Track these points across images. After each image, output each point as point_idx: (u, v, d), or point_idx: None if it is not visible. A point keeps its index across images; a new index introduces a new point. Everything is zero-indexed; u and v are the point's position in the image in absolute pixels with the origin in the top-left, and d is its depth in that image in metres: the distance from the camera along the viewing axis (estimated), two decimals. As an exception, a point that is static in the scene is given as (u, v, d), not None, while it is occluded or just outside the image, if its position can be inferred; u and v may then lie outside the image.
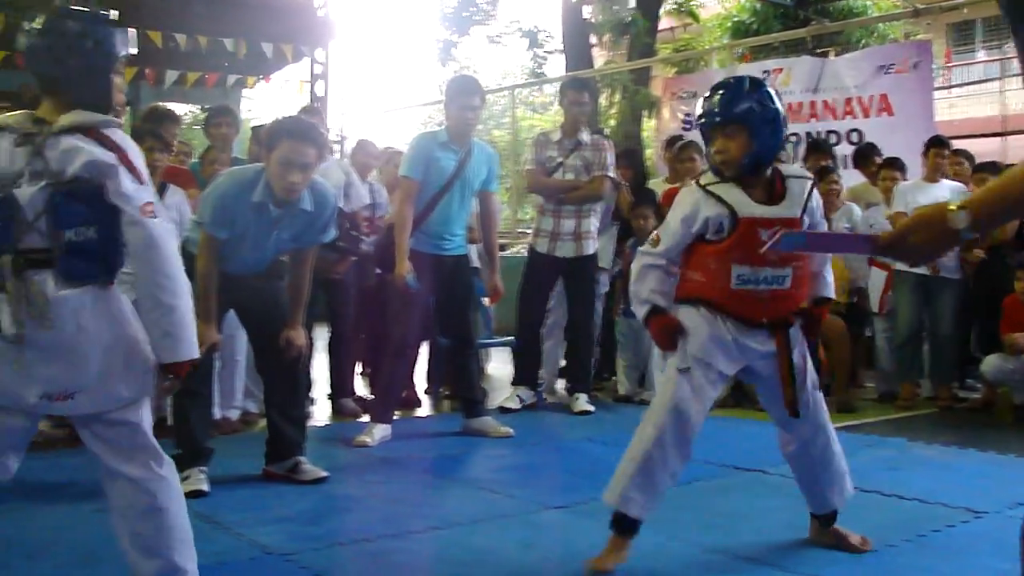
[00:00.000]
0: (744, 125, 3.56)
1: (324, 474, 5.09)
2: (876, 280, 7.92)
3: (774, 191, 3.65)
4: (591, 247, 7.17)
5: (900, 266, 7.58)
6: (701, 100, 3.74)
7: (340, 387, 7.24)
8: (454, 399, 7.53)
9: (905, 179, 7.88)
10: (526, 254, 7.57)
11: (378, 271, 6.99)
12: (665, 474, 3.65)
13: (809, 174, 3.86)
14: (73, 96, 2.92)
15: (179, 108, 16.01)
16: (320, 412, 7.18)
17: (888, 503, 4.63)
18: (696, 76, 13.37)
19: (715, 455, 5.35)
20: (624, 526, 3.65)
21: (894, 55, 10.45)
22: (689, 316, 3.69)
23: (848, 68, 10.63)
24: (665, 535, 4.09)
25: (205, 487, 4.77)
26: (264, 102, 27.89)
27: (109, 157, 2.82)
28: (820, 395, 3.86)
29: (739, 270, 3.59)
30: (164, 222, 2.91)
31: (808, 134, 10.50)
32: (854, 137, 10.18)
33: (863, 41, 16.64)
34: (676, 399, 3.62)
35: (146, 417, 3.00)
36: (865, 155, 8.77)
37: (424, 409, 7.55)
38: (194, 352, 2.96)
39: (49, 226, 2.79)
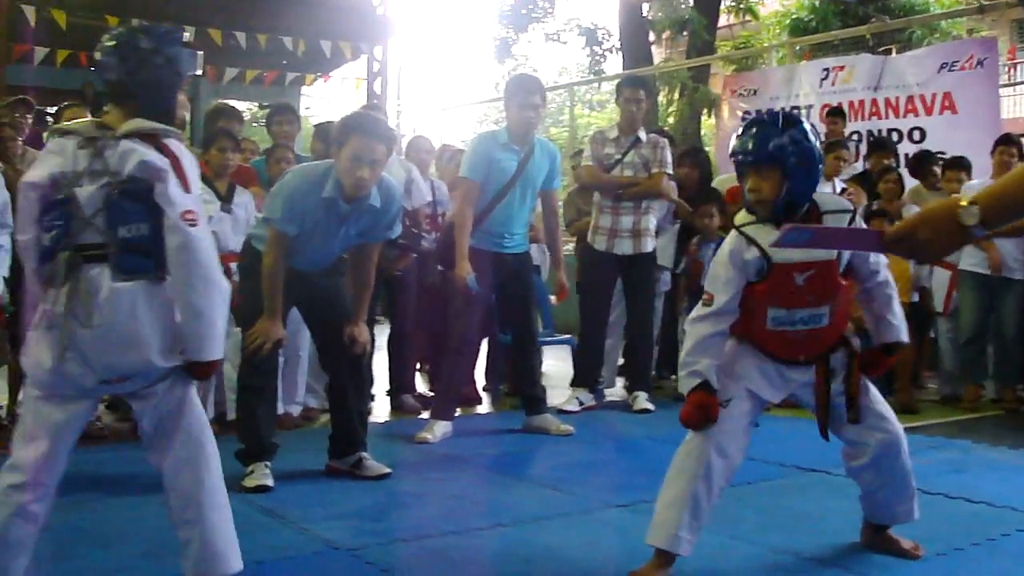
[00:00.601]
0: (777, 165, 3.43)
1: (387, 470, 5.11)
2: (940, 280, 7.82)
3: None
4: (649, 244, 7.14)
5: (964, 265, 7.50)
6: (734, 136, 3.61)
7: (400, 384, 7.27)
8: (514, 396, 7.56)
9: (970, 179, 7.76)
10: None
11: (440, 268, 7.03)
12: (709, 506, 3.59)
13: (849, 206, 3.67)
14: (139, 107, 3.08)
15: (238, 105, 16.14)
16: (380, 409, 7.21)
17: (954, 506, 4.58)
18: (756, 74, 13.30)
19: (778, 455, 5.33)
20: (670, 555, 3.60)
21: (958, 52, 10.32)
22: (733, 346, 3.64)
23: (911, 65, 10.53)
24: (727, 535, 4.07)
25: (269, 482, 4.81)
26: (322, 100, 27.95)
27: (162, 161, 2.97)
28: (887, 407, 3.77)
29: (774, 312, 3.52)
30: (203, 229, 3.01)
31: (869, 132, 10.42)
32: (916, 135, 10.10)
33: (925, 39, 16.48)
34: (719, 433, 3.54)
35: (192, 396, 3.17)
36: (921, 162, 8.63)
37: (484, 406, 7.56)
38: (217, 354, 3.08)
39: (105, 223, 2.96)
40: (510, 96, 6.20)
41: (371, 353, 6.55)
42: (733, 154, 3.59)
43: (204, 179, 6.10)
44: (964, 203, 2.05)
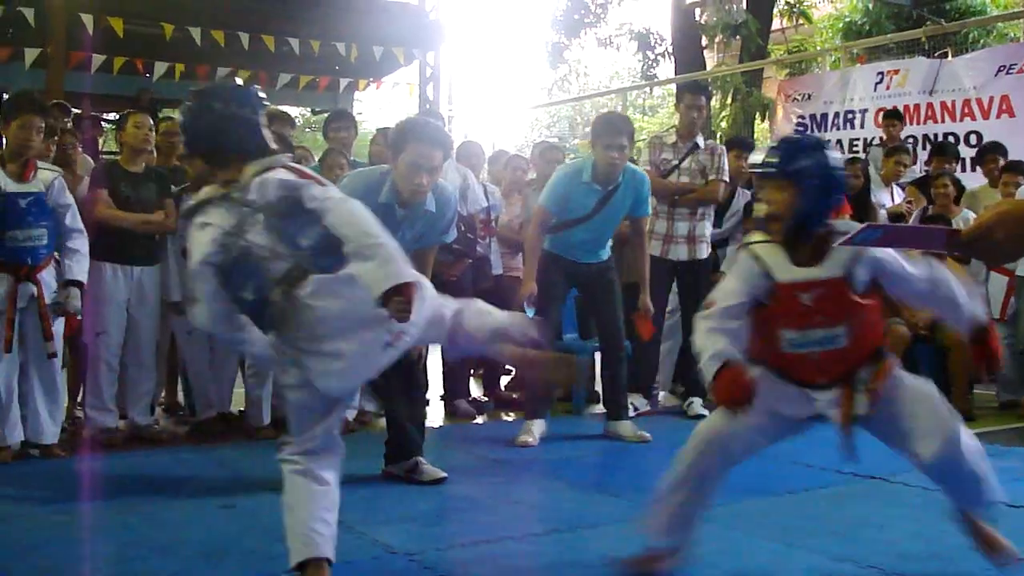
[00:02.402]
0: (794, 183, 3.43)
1: (443, 475, 5.13)
2: (997, 286, 7.75)
3: (818, 250, 3.47)
4: (704, 251, 7.14)
5: (1021, 271, 7.42)
6: (761, 149, 3.62)
7: (454, 388, 7.29)
8: (566, 402, 7.57)
9: (1028, 183, 7.69)
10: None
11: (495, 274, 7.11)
12: (703, 507, 3.63)
13: (859, 226, 3.65)
14: (240, 155, 3.32)
15: (291, 111, 16.25)
16: (434, 414, 7.22)
17: (1016, 515, 4.49)
18: (810, 78, 13.23)
19: (834, 462, 5.27)
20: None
21: (1016, 55, 10.23)
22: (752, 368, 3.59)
23: (967, 69, 10.43)
24: (786, 543, 4.07)
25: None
26: (375, 105, 28.10)
27: (292, 177, 3.25)
28: (940, 413, 3.61)
29: (787, 334, 3.49)
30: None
31: (925, 136, 10.34)
32: (972, 139, 10.00)
33: (980, 41, 16.31)
34: (716, 437, 3.56)
35: None
36: (985, 153, 8.56)
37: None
38: (408, 276, 3.15)
39: (286, 245, 3.19)
40: (596, 136, 6.15)
41: (425, 358, 6.63)
42: (753, 166, 3.61)
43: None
44: None
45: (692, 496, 3.59)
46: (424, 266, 5.16)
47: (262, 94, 3.48)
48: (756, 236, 3.62)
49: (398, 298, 3.07)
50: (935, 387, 3.66)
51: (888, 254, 3.50)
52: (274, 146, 3.43)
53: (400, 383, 5.21)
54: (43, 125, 5.43)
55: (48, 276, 5.45)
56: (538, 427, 6.17)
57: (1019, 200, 2.16)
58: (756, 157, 3.61)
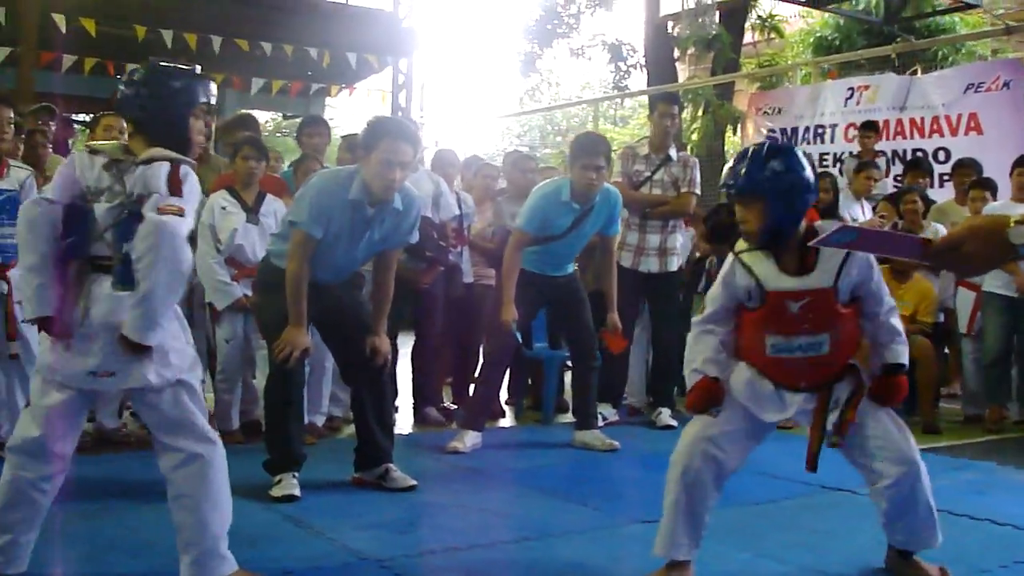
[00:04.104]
0: (760, 197, 3.50)
1: (413, 482, 5.13)
2: (965, 300, 7.83)
3: (806, 258, 3.57)
4: (675, 263, 7.18)
5: (988, 287, 7.49)
6: (727, 168, 3.69)
7: (425, 396, 7.28)
8: (536, 411, 7.59)
9: (995, 199, 7.77)
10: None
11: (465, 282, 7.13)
12: (704, 510, 3.66)
13: (835, 225, 3.72)
14: (155, 136, 3.39)
15: (263, 115, 16.23)
16: (404, 421, 7.21)
17: (981, 528, 4.58)
18: (781, 92, 13.31)
19: (803, 474, 5.30)
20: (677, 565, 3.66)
21: (984, 73, 10.33)
22: (735, 367, 3.69)
23: (936, 86, 10.55)
24: (753, 552, 4.11)
25: (297, 492, 4.83)
26: (347, 111, 28.07)
27: (161, 183, 3.25)
28: (907, 431, 3.75)
29: (772, 339, 3.59)
30: (180, 221, 3.23)
31: (895, 152, 10.43)
32: (941, 156, 10.09)
33: (949, 58, 16.46)
34: (701, 437, 3.62)
35: (187, 397, 3.38)
36: (959, 167, 8.65)
37: (507, 420, 7.58)
38: (153, 340, 3.25)
39: (113, 238, 3.29)
40: (574, 157, 6.13)
41: (393, 365, 6.64)
42: (721, 186, 3.67)
43: (231, 190, 6.14)
44: (1014, 222, 2.07)
45: (692, 496, 3.62)
46: (389, 271, 5.24)
47: (209, 94, 3.51)
48: (742, 244, 3.69)
49: (132, 347, 3.23)
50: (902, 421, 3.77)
51: (875, 274, 3.63)
52: (199, 141, 3.53)
53: (368, 390, 5.23)
54: (12, 117, 5.38)
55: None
56: (471, 438, 6.15)
57: (992, 215, 2.18)
58: (724, 176, 3.67)
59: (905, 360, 3.69)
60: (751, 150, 3.62)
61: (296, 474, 4.97)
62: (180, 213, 3.24)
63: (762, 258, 3.59)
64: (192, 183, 3.34)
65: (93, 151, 3.42)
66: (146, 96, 3.38)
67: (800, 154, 3.60)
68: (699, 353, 3.65)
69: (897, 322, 3.72)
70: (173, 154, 3.34)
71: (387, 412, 5.42)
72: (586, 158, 6.03)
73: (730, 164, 3.67)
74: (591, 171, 6.01)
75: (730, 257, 3.71)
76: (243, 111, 9.16)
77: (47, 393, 3.36)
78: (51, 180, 5.59)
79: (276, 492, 4.81)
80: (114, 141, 3.55)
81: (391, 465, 5.21)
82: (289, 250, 4.88)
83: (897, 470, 3.64)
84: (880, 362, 3.70)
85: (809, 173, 3.56)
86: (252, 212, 6.15)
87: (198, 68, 3.52)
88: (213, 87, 3.55)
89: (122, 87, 3.44)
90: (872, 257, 3.65)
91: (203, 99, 3.47)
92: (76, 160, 3.42)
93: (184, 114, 3.42)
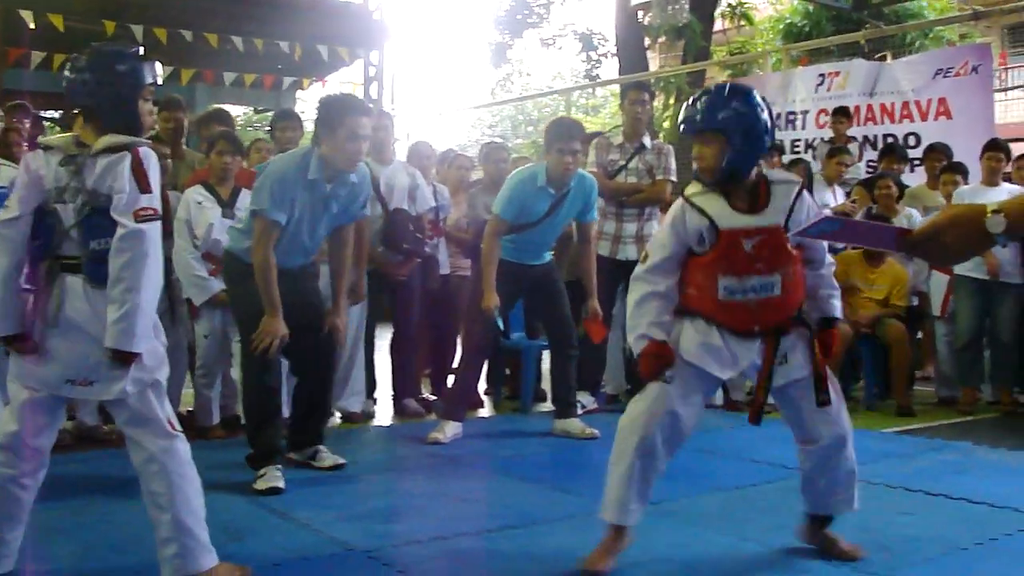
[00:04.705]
0: (720, 133, 3.55)
1: (342, 461, 5.34)
2: (938, 284, 7.91)
3: (757, 198, 3.61)
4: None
5: (960, 270, 7.56)
6: (685, 105, 3.75)
7: (404, 387, 7.30)
8: (514, 400, 7.63)
9: (966, 183, 7.85)
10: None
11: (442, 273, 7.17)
12: (655, 475, 3.70)
13: (796, 178, 3.78)
14: (106, 122, 3.38)
15: (235, 110, 16.19)
16: (383, 412, 7.24)
17: (956, 506, 4.63)
18: (752, 79, 13.35)
19: (781, 458, 5.37)
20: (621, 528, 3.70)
21: (953, 58, 10.43)
22: (680, 325, 3.70)
23: (906, 72, 10.63)
24: (736, 535, 4.14)
25: (281, 484, 4.86)
26: (319, 98, 27.99)
27: (126, 176, 3.26)
28: (843, 403, 3.80)
29: (725, 281, 3.59)
30: (154, 226, 3.28)
31: (866, 137, 10.50)
32: (911, 140, 10.18)
33: (917, 43, 16.57)
34: (659, 406, 3.62)
35: (153, 396, 3.39)
36: (930, 151, 8.75)
37: (485, 410, 7.61)
38: (140, 347, 3.26)
39: (80, 236, 3.31)
40: (550, 141, 6.15)
41: (371, 357, 6.72)
42: (680, 122, 3.71)
43: (206, 185, 6.14)
44: (991, 211, 2.10)
45: (647, 463, 3.64)
46: (345, 248, 5.40)
47: (154, 74, 3.49)
48: (692, 188, 3.72)
49: (121, 358, 3.25)
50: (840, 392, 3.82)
51: (808, 211, 3.65)
52: (150, 122, 3.56)
53: (314, 379, 5.36)
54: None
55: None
56: (451, 428, 6.18)
57: (969, 205, 2.21)
58: (683, 113, 3.72)
59: (839, 314, 3.79)
60: (712, 88, 3.68)
61: (279, 466, 5.00)
62: (155, 215, 3.29)
63: (714, 198, 3.62)
64: (153, 166, 3.36)
65: (47, 148, 3.42)
66: (92, 82, 3.35)
67: (758, 96, 3.65)
68: (643, 316, 3.63)
69: (832, 277, 3.80)
70: (128, 139, 3.34)
71: (327, 399, 5.55)
72: (562, 142, 6.06)
73: (688, 102, 3.71)
74: (567, 155, 6.04)
75: (678, 201, 3.72)
76: (216, 106, 9.14)
77: (23, 391, 3.37)
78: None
79: (260, 485, 4.83)
80: (66, 135, 3.52)
81: (322, 446, 5.39)
82: (254, 239, 4.97)
83: (831, 431, 3.70)
84: (819, 315, 3.76)
85: (767, 116, 3.62)
86: (228, 207, 6.13)
87: (141, 49, 3.52)
88: (159, 67, 3.54)
89: (67, 75, 3.41)
90: (815, 205, 3.72)
91: (149, 80, 3.46)
92: (32, 162, 3.41)
93: (132, 97, 3.40)
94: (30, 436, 3.37)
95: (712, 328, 3.66)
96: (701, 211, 3.60)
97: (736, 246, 3.56)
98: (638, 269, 3.72)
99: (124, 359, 3.25)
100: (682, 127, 3.71)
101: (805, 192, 3.68)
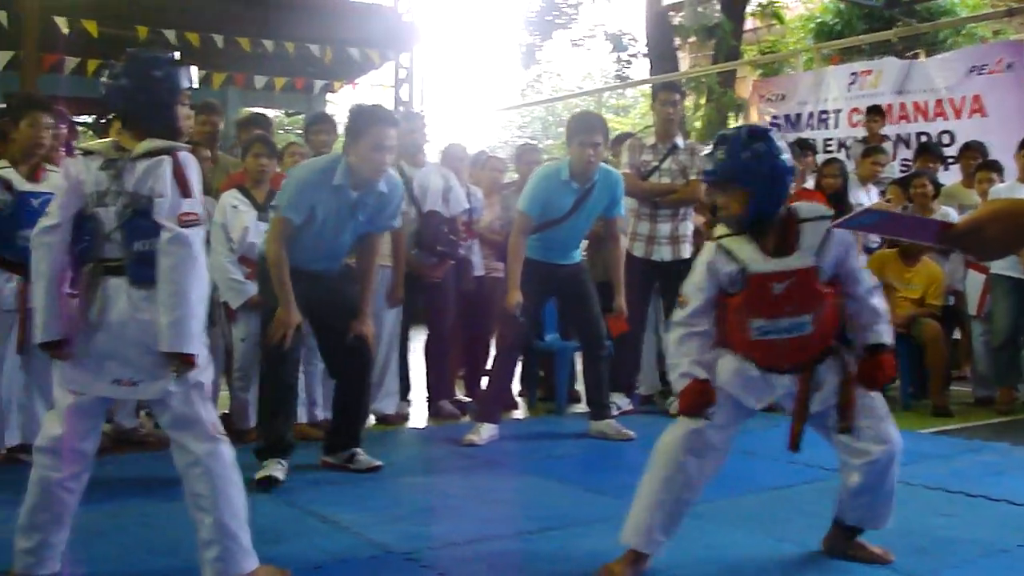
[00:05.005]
0: (741, 183, 3.53)
1: (379, 463, 5.36)
2: (974, 283, 7.86)
3: (787, 239, 3.59)
4: (687, 250, 7.17)
5: (996, 269, 7.51)
6: (705, 153, 3.72)
7: (438, 389, 7.31)
8: (549, 401, 7.63)
9: (1002, 181, 7.79)
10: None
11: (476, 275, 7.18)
12: (686, 508, 3.70)
13: (827, 213, 3.69)
14: (144, 127, 3.44)
15: (267, 113, 16.22)
16: (418, 414, 7.26)
17: (998, 508, 4.61)
18: (784, 79, 13.33)
19: (818, 459, 5.33)
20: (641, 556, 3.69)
21: (987, 56, 10.37)
22: (717, 355, 3.70)
23: (939, 69, 10.57)
24: (775, 537, 4.14)
25: (279, 475, 4.98)
26: (348, 105, 28.07)
27: (167, 179, 3.33)
28: (890, 417, 3.76)
29: (756, 322, 3.59)
30: (196, 231, 3.35)
31: (899, 136, 10.44)
32: (945, 139, 10.12)
33: (949, 41, 16.46)
34: (694, 434, 3.63)
35: (196, 397, 3.42)
36: (966, 149, 8.70)
37: (519, 411, 7.61)
38: (196, 348, 3.32)
39: (122, 238, 3.35)
40: (572, 135, 6.18)
41: (406, 358, 6.85)
42: (702, 173, 3.70)
43: (242, 189, 6.17)
44: None
45: (679, 495, 3.65)
46: (373, 255, 5.47)
47: (190, 79, 3.55)
48: (721, 229, 3.71)
49: (180, 360, 3.30)
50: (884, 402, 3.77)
51: (853, 253, 3.65)
52: (186, 126, 3.60)
53: (351, 382, 5.41)
54: (52, 122, 5.40)
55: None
56: (487, 430, 6.20)
57: (1012, 199, 2.18)
58: (704, 162, 3.71)
59: (887, 339, 3.68)
60: (728, 135, 3.64)
61: (283, 460, 5.09)
62: (198, 221, 3.35)
63: (743, 242, 3.60)
64: (194, 170, 3.41)
65: (87, 153, 3.47)
66: (130, 88, 3.42)
67: (777, 137, 3.63)
68: (684, 355, 3.63)
69: (879, 302, 3.71)
70: (168, 143, 3.40)
71: (363, 402, 5.57)
72: (583, 135, 6.08)
73: (708, 151, 3.69)
74: (588, 148, 6.06)
75: (710, 244, 3.71)
76: (254, 111, 9.19)
77: (67, 396, 3.41)
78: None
79: (258, 475, 4.92)
80: (106, 140, 3.58)
81: (358, 449, 5.42)
82: (269, 234, 5.10)
83: (879, 448, 3.66)
84: (863, 343, 3.69)
85: (788, 156, 3.60)
86: (263, 210, 6.15)
87: (177, 54, 3.58)
88: (194, 72, 3.60)
89: (105, 80, 3.48)
90: (850, 236, 3.69)
91: (185, 85, 3.51)
92: (72, 168, 3.47)
93: (170, 101, 3.46)
94: (75, 440, 3.41)
95: (746, 361, 3.68)
96: (731, 255, 3.60)
97: (765, 289, 3.56)
98: (678, 315, 3.72)
99: (182, 361, 3.29)
100: (702, 178, 3.70)
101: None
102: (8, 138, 5.49)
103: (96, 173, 3.39)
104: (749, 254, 3.58)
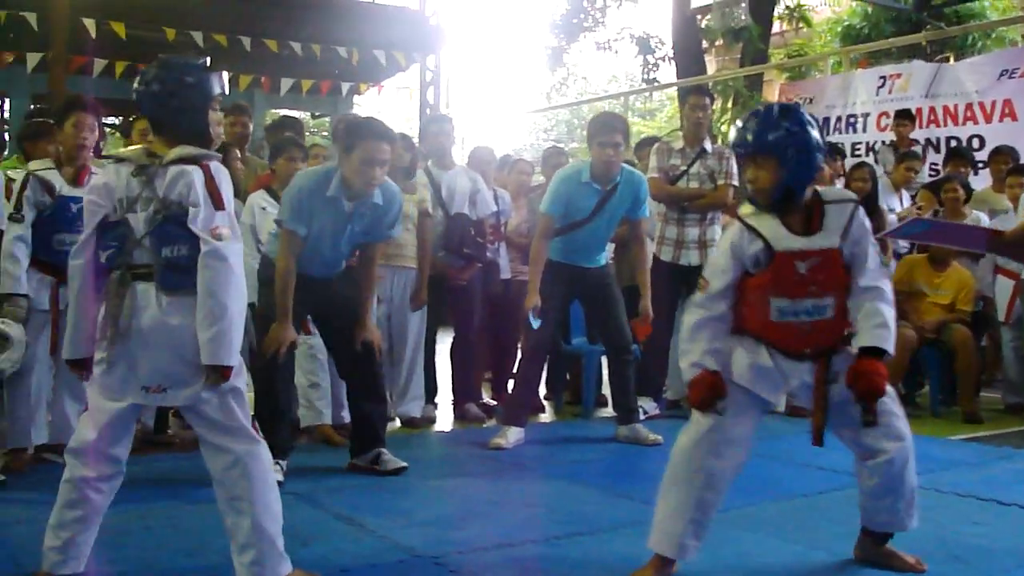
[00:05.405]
0: (774, 155, 3.50)
1: (404, 464, 5.37)
2: (1003, 288, 7.78)
3: (812, 219, 3.57)
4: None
5: (1026, 272, 7.45)
6: (734, 128, 3.70)
7: (464, 392, 7.30)
8: (576, 405, 7.60)
9: (1033, 186, 7.73)
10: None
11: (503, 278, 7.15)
12: (713, 509, 3.66)
13: (852, 196, 3.71)
14: (177, 134, 3.44)
15: (293, 115, 16.28)
16: (444, 417, 7.24)
17: (1031, 517, 4.57)
18: (812, 82, 13.28)
19: (846, 464, 5.28)
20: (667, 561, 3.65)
21: (1018, 59, 10.31)
22: (731, 345, 3.66)
23: (969, 73, 10.50)
24: (805, 544, 4.10)
25: (278, 478, 4.90)
26: (374, 109, 28.16)
27: (199, 187, 3.32)
28: (901, 409, 3.71)
29: (778, 303, 3.55)
30: (230, 243, 3.32)
31: (928, 140, 10.38)
32: (975, 143, 10.04)
33: (979, 44, 16.35)
34: (712, 432, 3.59)
35: (234, 403, 3.41)
36: (996, 154, 8.64)
37: (546, 415, 7.58)
38: (234, 360, 3.31)
39: (152, 244, 3.34)
40: (592, 135, 6.15)
41: (432, 361, 6.88)
42: (733, 145, 3.67)
43: (270, 191, 6.17)
44: None
45: (705, 495, 3.61)
46: (372, 264, 5.48)
47: (222, 85, 3.54)
48: (746, 208, 3.68)
49: (219, 373, 3.30)
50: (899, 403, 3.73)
51: (869, 241, 3.59)
52: (217, 133, 3.57)
53: (363, 381, 5.45)
54: (95, 123, 5.40)
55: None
56: (514, 434, 6.18)
57: None
58: (734, 136, 3.68)
59: (885, 345, 3.53)
60: (760, 110, 3.63)
61: (281, 462, 5.10)
62: (232, 233, 3.35)
63: (768, 219, 3.57)
64: (225, 180, 3.42)
65: (119, 160, 3.48)
66: (161, 94, 3.41)
67: (808, 113, 3.61)
68: (697, 344, 3.59)
69: (885, 307, 3.57)
70: (199, 151, 3.40)
71: (380, 401, 5.59)
72: (603, 135, 6.06)
73: (739, 124, 3.67)
74: (608, 148, 6.03)
75: (735, 224, 3.68)
76: (282, 112, 9.22)
77: (100, 401, 3.42)
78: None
79: None
80: (138, 146, 3.60)
81: (383, 449, 5.42)
82: (279, 248, 5.12)
83: (894, 446, 3.62)
84: (858, 344, 3.57)
85: (817, 133, 3.57)
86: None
87: (208, 60, 3.56)
88: (225, 78, 3.59)
89: (136, 87, 3.47)
90: (869, 225, 3.64)
91: (217, 91, 3.50)
92: (103, 176, 3.49)
93: (201, 108, 3.46)
94: (107, 444, 3.42)
95: (761, 347, 3.63)
96: (756, 233, 3.57)
97: (790, 268, 3.52)
98: (698, 297, 3.67)
99: (222, 373, 3.29)
100: (736, 150, 3.67)
101: (860, 210, 3.62)
102: (52, 139, 5.50)
103: (127, 179, 3.39)
104: (774, 231, 3.55)
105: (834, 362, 3.61)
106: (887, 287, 3.63)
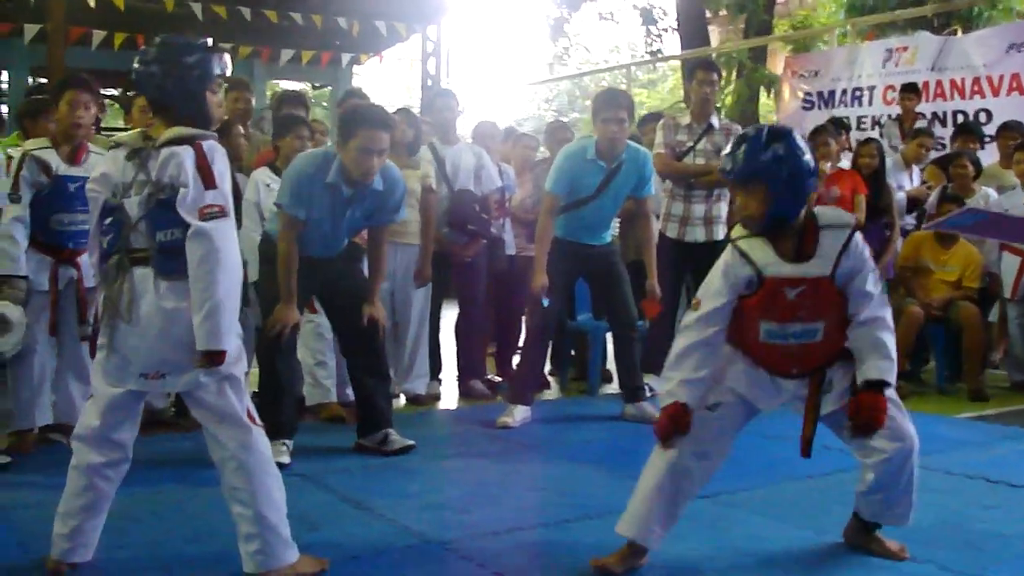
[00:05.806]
0: (762, 182, 3.43)
1: (411, 443, 5.40)
2: (1009, 266, 7.73)
3: (805, 244, 3.51)
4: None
5: (1034, 251, 7.41)
6: (725, 152, 3.61)
7: (469, 369, 7.27)
8: (581, 382, 7.57)
9: (1041, 161, 7.67)
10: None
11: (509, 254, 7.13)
12: (685, 500, 3.66)
13: (849, 221, 3.61)
14: (175, 114, 3.39)
15: (293, 85, 16.20)
16: (449, 394, 7.22)
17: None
18: (817, 55, 13.20)
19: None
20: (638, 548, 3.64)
21: (1026, 33, 10.19)
22: (726, 352, 3.65)
23: (977, 46, 10.41)
24: (813, 528, 4.09)
25: (285, 459, 4.98)
26: (375, 79, 28.04)
27: (189, 168, 3.27)
28: (905, 414, 3.67)
29: (766, 325, 3.54)
30: (222, 222, 3.27)
31: (934, 114, 10.30)
32: (983, 117, 9.97)
33: (984, 15, 16.24)
34: (700, 434, 3.57)
35: (230, 390, 3.40)
36: (1004, 129, 8.58)
37: (551, 392, 7.54)
38: (228, 344, 3.28)
39: (147, 228, 3.33)
40: (596, 112, 6.12)
41: (437, 337, 6.87)
42: (721, 171, 3.62)
43: (273, 167, 6.11)
44: None
45: (678, 485, 3.61)
46: (380, 246, 5.48)
47: (223, 66, 3.48)
48: (738, 231, 3.64)
49: (210, 358, 3.27)
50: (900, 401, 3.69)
51: (868, 269, 3.55)
52: (219, 115, 3.56)
53: (365, 360, 5.45)
54: (91, 101, 5.33)
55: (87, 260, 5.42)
56: (520, 412, 6.17)
57: None
58: (722, 162, 3.61)
59: (888, 378, 3.51)
60: (749, 135, 3.54)
61: (286, 442, 5.12)
62: (222, 212, 3.28)
63: (760, 244, 3.53)
64: (220, 158, 3.36)
65: (115, 145, 3.48)
66: (161, 74, 3.36)
67: (799, 137, 3.54)
68: (679, 372, 3.55)
69: (886, 336, 3.55)
70: (194, 131, 3.35)
71: (385, 379, 5.60)
72: (607, 111, 6.03)
73: (728, 149, 3.59)
74: (613, 124, 6.00)
75: (729, 248, 3.63)
76: (284, 85, 9.14)
77: (103, 387, 3.42)
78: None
79: None
80: (136, 130, 3.57)
81: (390, 430, 5.42)
82: (279, 231, 5.13)
83: (892, 446, 3.58)
84: (861, 377, 3.54)
85: (809, 157, 3.50)
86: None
87: (209, 40, 3.52)
88: (227, 59, 3.53)
89: (136, 66, 3.41)
90: (867, 252, 3.59)
91: (217, 71, 3.45)
92: (102, 167, 3.48)
93: (200, 89, 3.40)
94: (111, 431, 3.42)
95: (756, 364, 3.64)
96: (746, 258, 3.53)
97: (779, 293, 3.49)
98: (690, 316, 3.63)
99: (214, 358, 3.26)
100: (724, 176, 3.62)
101: (857, 236, 3.55)
102: (48, 117, 5.45)
103: (123, 163, 3.38)
104: (765, 257, 3.51)
105: (828, 372, 3.62)
106: (888, 315, 3.60)
